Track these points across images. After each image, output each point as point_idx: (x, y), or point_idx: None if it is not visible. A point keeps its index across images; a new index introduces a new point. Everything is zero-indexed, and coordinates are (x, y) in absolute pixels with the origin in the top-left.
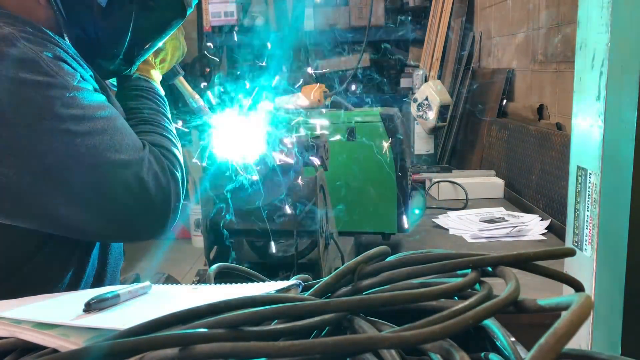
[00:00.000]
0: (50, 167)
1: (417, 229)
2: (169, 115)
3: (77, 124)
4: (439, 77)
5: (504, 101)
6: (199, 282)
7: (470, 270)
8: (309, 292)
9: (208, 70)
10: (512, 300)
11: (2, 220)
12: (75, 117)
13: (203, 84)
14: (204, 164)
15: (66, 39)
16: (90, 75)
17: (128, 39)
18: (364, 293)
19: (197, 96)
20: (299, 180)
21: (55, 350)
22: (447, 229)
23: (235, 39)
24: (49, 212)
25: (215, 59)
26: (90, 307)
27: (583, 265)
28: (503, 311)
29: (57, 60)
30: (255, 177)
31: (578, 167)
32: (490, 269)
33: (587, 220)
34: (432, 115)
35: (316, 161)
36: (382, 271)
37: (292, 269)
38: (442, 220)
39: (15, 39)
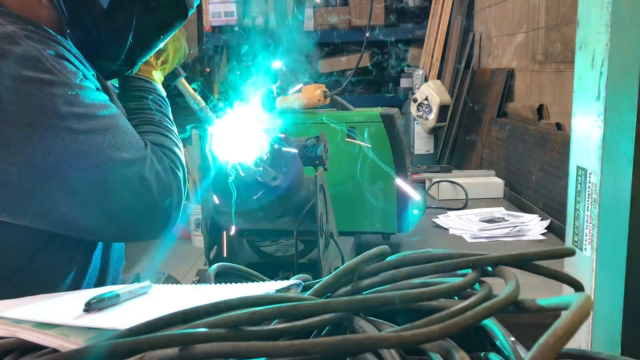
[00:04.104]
0: (53, 165)
1: (417, 229)
2: (171, 116)
3: (80, 122)
4: (439, 77)
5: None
6: (199, 282)
7: (470, 270)
8: (309, 292)
9: (208, 70)
10: (512, 300)
11: (4, 219)
12: (78, 115)
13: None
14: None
15: (68, 38)
16: (93, 75)
17: (130, 39)
18: (364, 293)
19: (198, 97)
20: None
21: (55, 350)
22: (447, 229)
23: (235, 39)
24: (50, 210)
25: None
26: (90, 307)
27: (583, 265)
28: (503, 311)
29: (59, 58)
30: (255, 176)
31: (578, 167)
32: (490, 268)
33: (587, 220)
34: (432, 115)
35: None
36: (382, 271)
37: (292, 269)
38: (442, 220)
39: (18, 37)
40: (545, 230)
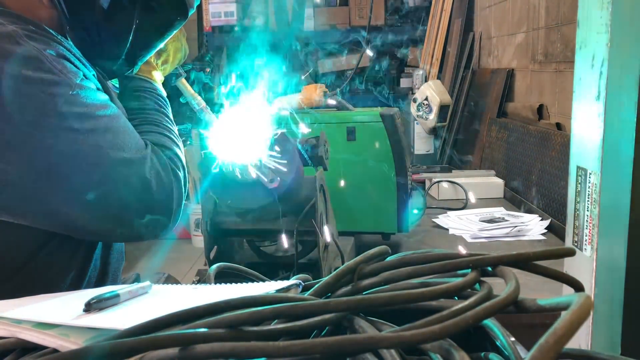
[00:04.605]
0: (53, 165)
1: (417, 229)
2: (171, 116)
3: (80, 121)
4: (439, 77)
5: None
6: (199, 282)
7: (470, 270)
8: (309, 292)
9: (208, 70)
10: (512, 300)
11: (4, 218)
12: (79, 115)
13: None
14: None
15: (69, 38)
16: (93, 75)
17: (130, 39)
18: (363, 293)
19: (198, 97)
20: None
21: (55, 350)
22: (447, 229)
23: (235, 39)
24: (51, 209)
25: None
26: (90, 307)
27: (583, 265)
28: (503, 311)
29: (60, 58)
30: (255, 177)
31: (578, 167)
32: (490, 269)
33: (587, 220)
34: (432, 115)
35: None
36: (382, 271)
37: (292, 269)
38: (442, 220)
39: (19, 36)
40: (545, 230)
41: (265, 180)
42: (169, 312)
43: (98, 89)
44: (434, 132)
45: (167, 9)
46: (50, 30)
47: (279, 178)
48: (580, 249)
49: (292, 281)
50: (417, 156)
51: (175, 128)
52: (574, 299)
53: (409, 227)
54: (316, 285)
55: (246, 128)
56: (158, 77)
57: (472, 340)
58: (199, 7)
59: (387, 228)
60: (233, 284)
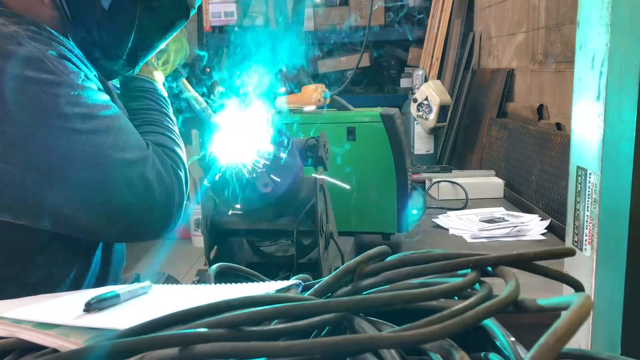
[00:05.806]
0: (55, 165)
1: (417, 229)
2: (172, 116)
3: (82, 122)
4: (439, 77)
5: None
6: (199, 282)
7: (470, 270)
8: (309, 292)
9: (208, 70)
10: (512, 300)
11: (6, 218)
12: (80, 116)
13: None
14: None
15: (70, 39)
16: (94, 75)
17: (131, 40)
18: (364, 293)
19: (199, 98)
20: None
21: (55, 350)
22: (447, 229)
23: (235, 39)
24: (52, 210)
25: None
26: (90, 307)
27: (583, 265)
28: (503, 311)
29: (61, 58)
30: (249, 179)
31: (578, 167)
32: (490, 269)
33: (586, 220)
34: (432, 115)
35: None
36: (382, 271)
37: (292, 269)
38: (442, 220)
39: (21, 37)
40: (545, 230)
41: (260, 183)
42: (169, 312)
43: (99, 89)
44: (434, 132)
45: (168, 9)
46: (52, 31)
47: (272, 183)
48: (580, 249)
49: (292, 281)
50: (417, 156)
51: (176, 128)
52: (574, 299)
53: (409, 227)
54: (316, 285)
55: (245, 129)
56: (159, 77)
57: (472, 340)
58: (199, 7)
59: (387, 228)
60: (233, 284)
